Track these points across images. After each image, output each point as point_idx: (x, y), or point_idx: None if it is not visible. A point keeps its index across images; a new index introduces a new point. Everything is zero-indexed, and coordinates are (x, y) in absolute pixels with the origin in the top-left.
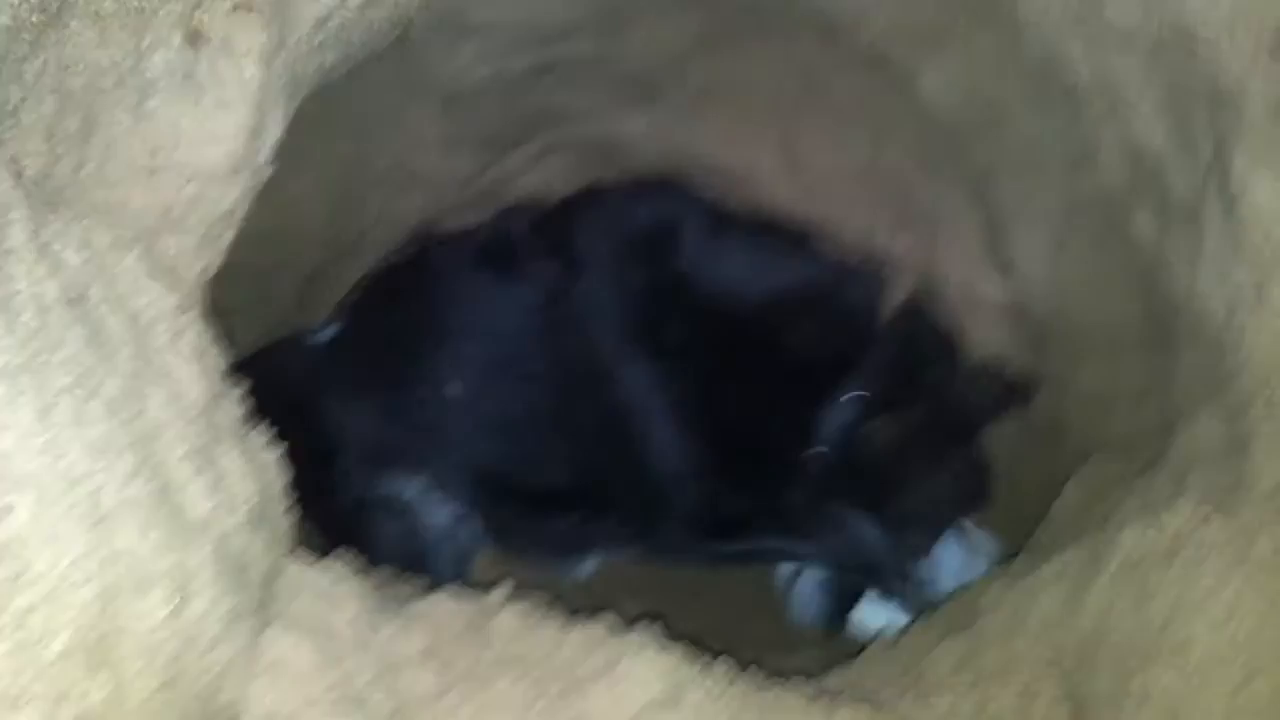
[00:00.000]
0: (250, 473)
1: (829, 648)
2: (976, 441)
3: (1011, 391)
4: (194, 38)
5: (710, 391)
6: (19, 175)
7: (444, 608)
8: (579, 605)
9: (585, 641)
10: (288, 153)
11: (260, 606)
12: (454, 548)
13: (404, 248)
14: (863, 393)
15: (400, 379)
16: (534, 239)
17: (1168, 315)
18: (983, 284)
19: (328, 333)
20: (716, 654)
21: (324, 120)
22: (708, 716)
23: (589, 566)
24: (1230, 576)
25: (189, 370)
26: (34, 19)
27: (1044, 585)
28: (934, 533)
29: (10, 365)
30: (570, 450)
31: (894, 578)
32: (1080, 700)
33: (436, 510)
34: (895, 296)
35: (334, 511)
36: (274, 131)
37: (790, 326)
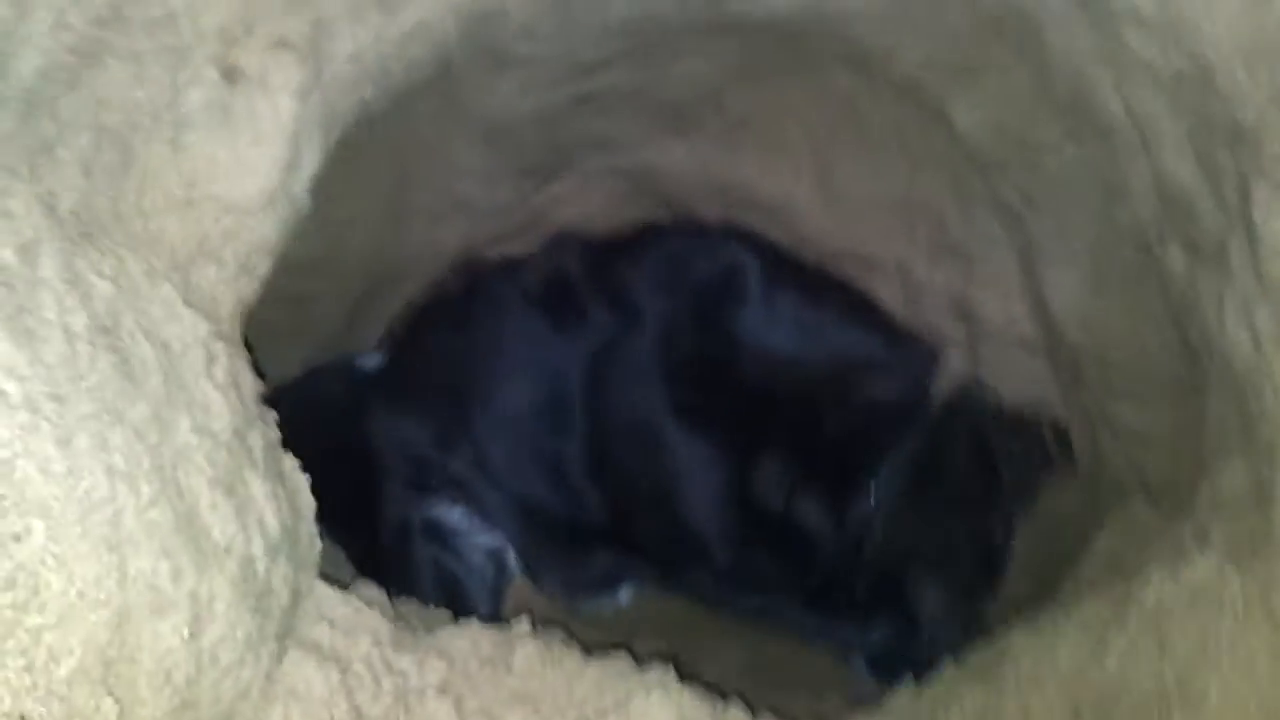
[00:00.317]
0: (278, 499)
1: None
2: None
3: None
4: (230, 73)
5: (748, 463)
6: (53, 208)
7: (462, 641)
8: (601, 640)
9: (600, 679)
10: (330, 182)
11: (281, 632)
12: (491, 577)
13: (454, 276)
14: (885, 489)
15: (448, 408)
16: (592, 283)
17: (1200, 355)
18: (1018, 318)
19: (376, 358)
20: (734, 696)
21: (367, 150)
22: None
23: (621, 598)
24: (1247, 630)
25: (220, 397)
26: (70, 59)
27: (1066, 636)
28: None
29: (34, 393)
30: (608, 495)
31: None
32: None
33: (476, 539)
34: (946, 373)
35: (375, 535)
36: (311, 164)
37: (836, 401)
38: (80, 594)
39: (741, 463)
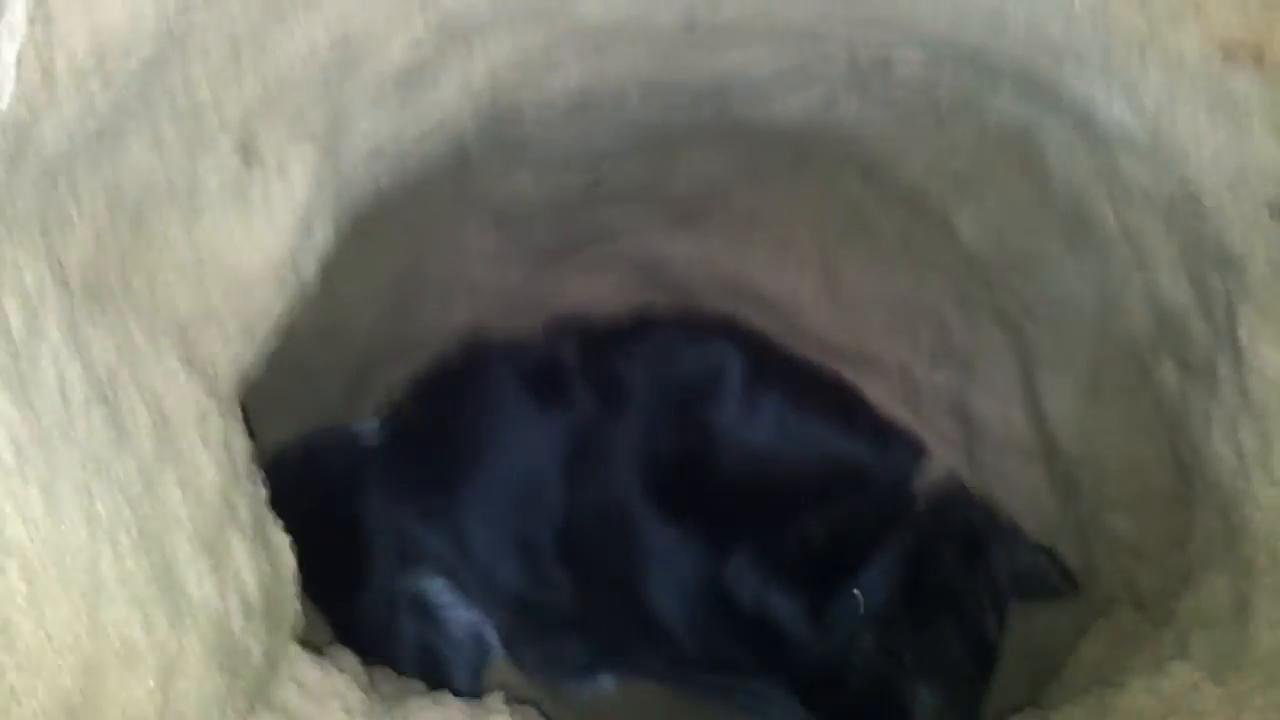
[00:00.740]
0: (259, 559)
1: None
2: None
3: (1056, 583)
4: (249, 156)
5: (721, 557)
6: (64, 278)
7: (433, 713)
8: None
9: None
10: (343, 259)
11: (251, 692)
12: (472, 652)
13: (456, 353)
14: (874, 590)
15: (435, 483)
16: (582, 367)
17: (1189, 468)
18: (1015, 425)
19: (374, 427)
20: None
21: (379, 231)
22: None
23: (604, 685)
24: None
25: (210, 458)
26: (93, 141)
27: None
28: None
29: (22, 438)
30: (579, 581)
31: None
32: None
33: (458, 613)
34: (930, 475)
35: (360, 605)
36: (322, 244)
37: (816, 502)
38: (49, 637)
39: (715, 557)
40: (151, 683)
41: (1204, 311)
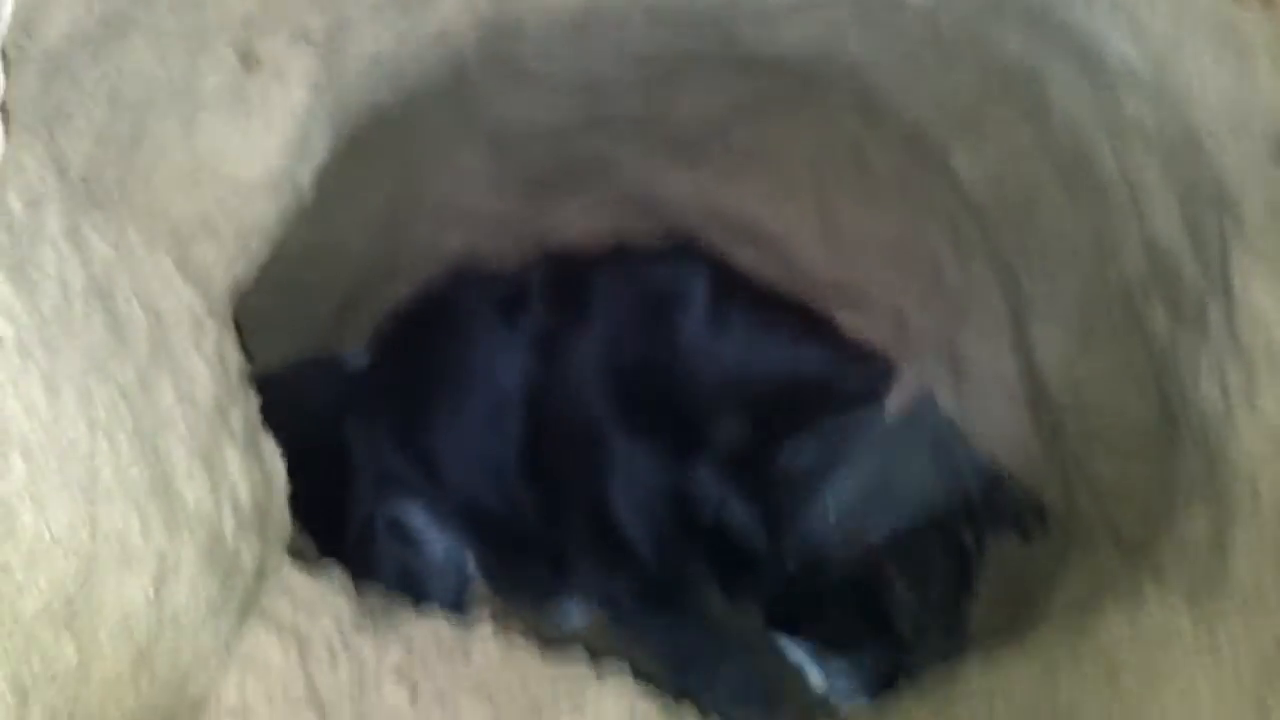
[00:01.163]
0: (253, 474)
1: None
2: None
3: (1021, 515)
4: (249, 61)
5: (686, 469)
6: (64, 170)
7: (423, 629)
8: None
9: (556, 675)
10: (336, 176)
11: (244, 605)
12: (451, 578)
13: (437, 282)
14: (844, 505)
15: (414, 411)
16: (550, 289)
17: (1176, 413)
18: (1004, 369)
19: (360, 358)
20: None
21: (374, 149)
22: None
23: (574, 618)
24: (1194, 667)
25: (206, 369)
26: (96, 29)
27: (1021, 668)
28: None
29: (27, 340)
30: (542, 495)
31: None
32: None
33: (436, 539)
34: (902, 393)
35: (343, 532)
36: (318, 155)
37: (780, 416)
38: (53, 537)
39: (679, 468)
40: (148, 586)
41: (1198, 256)
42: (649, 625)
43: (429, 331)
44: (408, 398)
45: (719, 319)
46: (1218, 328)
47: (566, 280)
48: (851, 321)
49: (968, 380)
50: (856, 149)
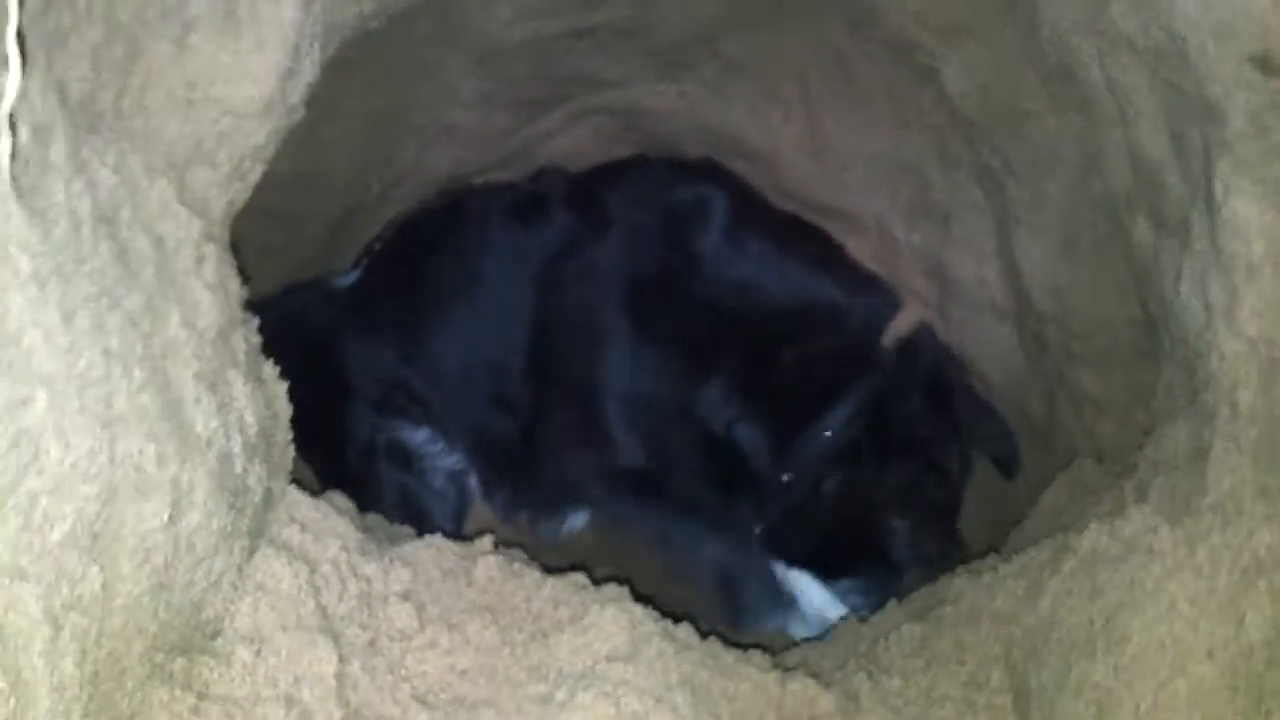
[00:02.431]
0: (258, 401)
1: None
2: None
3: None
4: None
5: (695, 381)
6: (65, 97)
7: (427, 552)
8: (559, 564)
9: (556, 594)
10: (324, 98)
11: (254, 531)
12: (453, 498)
13: (438, 197)
14: (843, 431)
15: (414, 325)
16: (568, 194)
17: (1157, 324)
18: (989, 282)
19: (351, 277)
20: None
21: (361, 69)
22: (664, 671)
23: (574, 524)
24: (1172, 578)
25: (208, 296)
26: None
27: (1003, 581)
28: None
29: (41, 270)
30: (543, 399)
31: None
32: (1022, 690)
33: (439, 461)
34: (902, 324)
35: (343, 455)
36: (308, 74)
37: (791, 338)
38: (74, 465)
39: (688, 382)
40: (165, 514)
41: (1181, 167)
42: (635, 516)
43: (429, 244)
44: (406, 312)
45: (737, 240)
46: (1200, 238)
47: (587, 191)
48: (839, 240)
49: (953, 296)
50: (843, 61)
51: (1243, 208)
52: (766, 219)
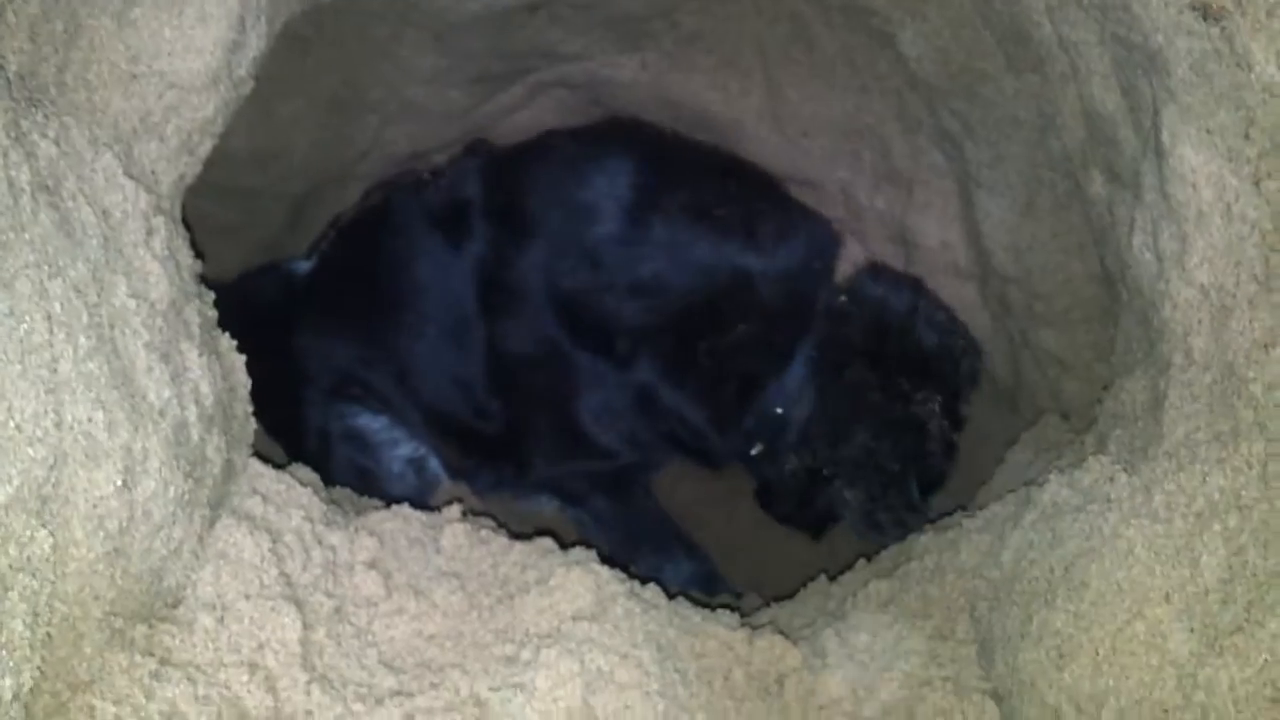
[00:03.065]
0: (214, 372)
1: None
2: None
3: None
4: None
5: (639, 386)
6: (1, 69)
7: (393, 522)
8: (529, 531)
9: (523, 558)
10: (280, 76)
11: (214, 501)
12: (412, 479)
13: (374, 192)
14: (795, 402)
15: (370, 324)
16: (485, 199)
17: (1114, 279)
18: (953, 245)
19: (306, 265)
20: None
21: (317, 47)
22: (630, 630)
23: (546, 506)
24: (1129, 525)
25: (158, 268)
26: None
27: (967, 536)
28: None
29: None
30: (514, 410)
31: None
32: (986, 641)
33: (396, 449)
34: (842, 274)
35: (300, 439)
36: (255, 46)
37: (716, 317)
38: (18, 428)
39: (635, 378)
40: (118, 480)
41: (1133, 120)
42: (609, 515)
43: (369, 248)
44: (360, 311)
45: (642, 230)
46: (1151, 190)
47: (500, 191)
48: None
49: (917, 260)
50: (802, 28)
51: (1190, 155)
52: (677, 187)
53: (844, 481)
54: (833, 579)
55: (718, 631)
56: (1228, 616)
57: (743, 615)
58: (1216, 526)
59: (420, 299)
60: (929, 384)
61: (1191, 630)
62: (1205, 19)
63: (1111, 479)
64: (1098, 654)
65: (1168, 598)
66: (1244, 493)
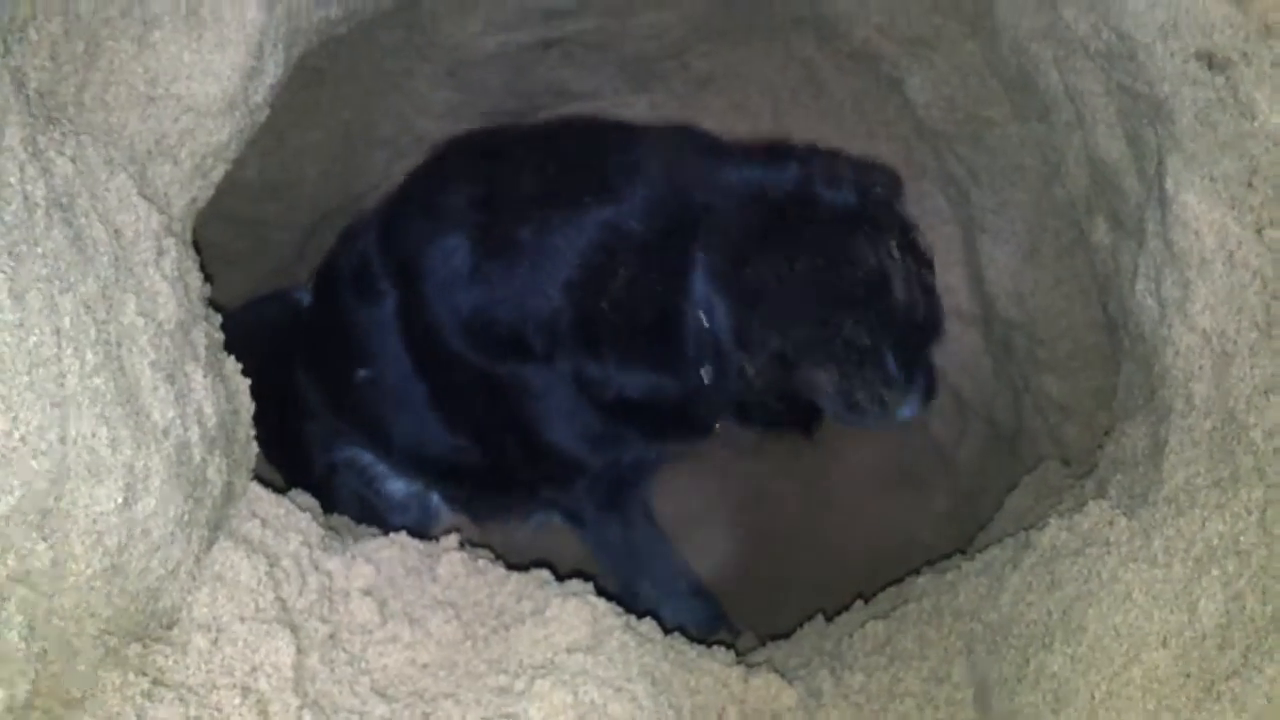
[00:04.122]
0: (218, 394)
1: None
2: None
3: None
4: None
5: (561, 373)
6: (21, 84)
7: (391, 550)
8: (527, 558)
9: (520, 588)
10: (293, 107)
11: (213, 522)
12: (415, 510)
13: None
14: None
15: (341, 374)
16: (383, 260)
17: (1117, 325)
18: (955, 289)
19: (309, 296)
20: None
21: (331, 79)
22: (625, 663)
23: (543, 522)
24: (1127, 569)
25: (166, 288)
26: None
27: (966, 579)
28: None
29: None
30: (487, 444)
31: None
32: (983, 684)
33: (398, 479)
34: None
35: (305, 469)
36: (272, 74)
37: (598, 277)
38: (23, 440)
39: (559, 366)
40: (119, 497)
41: (1137, 168)
42: (610, 541)
43: (331, 295)
44: (335, 358)
45: (501, 241)
46: (1154, 236)
47: (393, 245)
48: None
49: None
50: (811, 72)
51: (1193, 202)
52: (518, 185)
53: (810, 365)
54: (830, 619)
55: (713, 668)
56: (1225, 662)
57: (739, 654)
58: (1215, 572)
59: (376, 358)
60: (862, 238)
61: (1189, 675)
62: (1210, 68)
63: (1111, 523)
64: (1094, 698)
65: (1165, 642)
66: (1243, 538)
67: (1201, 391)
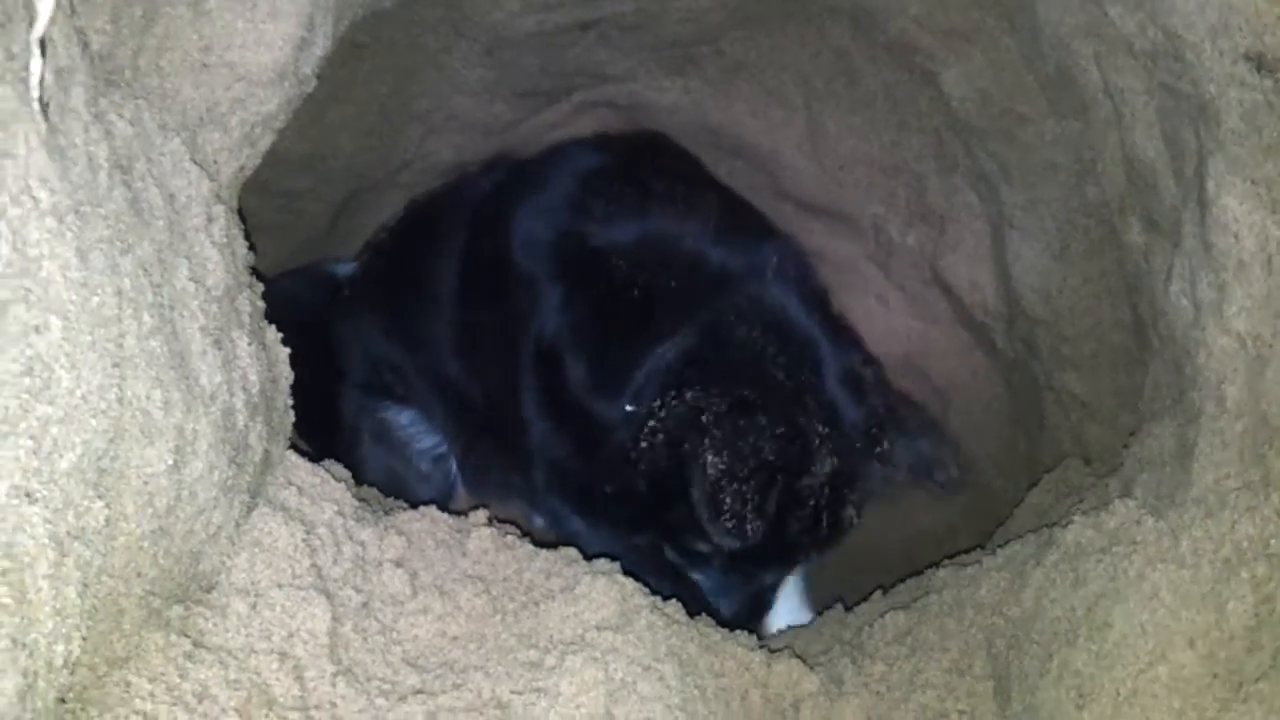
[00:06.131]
0: (261, 362)
1: None
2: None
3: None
4: None
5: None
6: (85, 46)
7: (421, 523)
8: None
9: (548, 565)
10: (333, 81)
11: (253, 488)
12: (438, 481)
13: (422, 198)
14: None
15: (398, 320)
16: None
17: (1146, 326)
18: (981, 285)
19: (349, 268)
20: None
21: (370, 54)
22: (653, 643)
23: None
24: (1155, 569)
25: (215, 255)
26: None
27: (987, 573)
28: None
29: (60, 205)
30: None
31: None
32: (1003, 678)
33: (423, 441)
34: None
35: (332, 436)
36: (320, 46)
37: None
38: (85, 398)
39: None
40: (169, 459)
41: (1175, 168)
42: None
43: (412, 242)
44: (391, 308)
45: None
46: (1191, 237)
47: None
48: (835, 241)
49: (946, 296)
50: (846, 62)
51: (1234, 205)
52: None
53: (708, 446)
54: (849, 609)
55: (737, 652)
56: (1253, 664)
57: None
58: (1244, 574)
59: (440, 297)
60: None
61: (1215, 675)
62: (1259, 70)
63: (1138, 522)
64: (1119, 695)
65: (1192, 643)
66: (1273, 541)
67: (1234, 394)
